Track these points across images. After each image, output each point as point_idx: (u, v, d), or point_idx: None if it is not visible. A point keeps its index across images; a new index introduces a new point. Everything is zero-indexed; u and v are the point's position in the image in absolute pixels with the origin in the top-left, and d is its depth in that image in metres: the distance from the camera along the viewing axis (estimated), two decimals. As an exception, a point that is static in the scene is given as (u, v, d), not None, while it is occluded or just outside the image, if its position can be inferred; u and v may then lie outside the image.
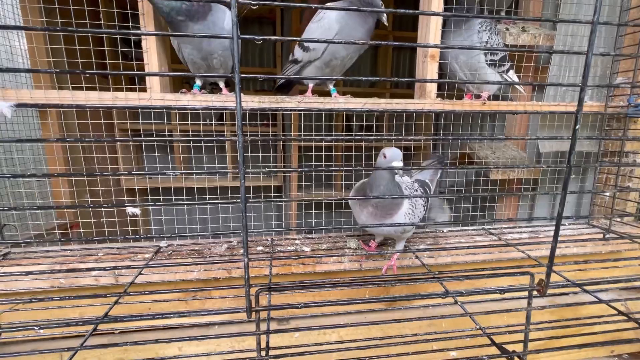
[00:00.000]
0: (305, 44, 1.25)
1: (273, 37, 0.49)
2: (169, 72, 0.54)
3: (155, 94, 1.13)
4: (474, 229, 1.43)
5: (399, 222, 0.96)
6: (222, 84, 1.30)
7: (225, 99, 1.14)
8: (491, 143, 1.81)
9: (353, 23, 1.19)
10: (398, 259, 1.16)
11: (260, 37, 0.48)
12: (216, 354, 0.68)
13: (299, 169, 0.56)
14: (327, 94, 1.32)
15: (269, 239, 1.31)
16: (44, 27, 0.49)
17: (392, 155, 0.94)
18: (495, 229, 1.44)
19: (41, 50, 1.45)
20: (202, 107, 0.54)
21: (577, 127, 0.58)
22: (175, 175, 0.49)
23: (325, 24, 1.20)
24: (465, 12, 1.31)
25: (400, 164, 0.91)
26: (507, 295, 1.28)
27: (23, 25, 1.22)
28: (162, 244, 1.25)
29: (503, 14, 1.59)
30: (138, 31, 0.60)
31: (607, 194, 1.47)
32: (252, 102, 1.14)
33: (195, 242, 1.28)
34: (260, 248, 1.24)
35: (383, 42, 0.59)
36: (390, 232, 1.04)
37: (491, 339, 0.73)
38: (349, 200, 1.09)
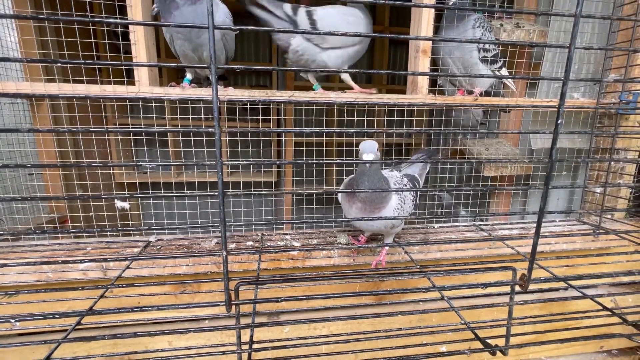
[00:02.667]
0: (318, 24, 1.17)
1: (250, 27, 0.48)
2: (156, 63, 0.53)
3: (143, 87, 1.12)
4: (465, 225, 1.43)
5: (387, 216, 0.96)
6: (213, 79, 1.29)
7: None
8: (485, 140, 1.82)
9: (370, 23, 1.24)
10: (387, 254, 1.16)
11: (237, 27, 0.47)
12: (205, 347, 0.68)
13: (278, 161, 0.56)
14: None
15: (259, 234, 1.31)
16: (28, 15, 0.48)
17: (363, 148, 0.91)
18: (487, 225, 1.45)
19: (32, 42, 1.44)
20: (180, 98, 0.53)
21: (559, 122, 0.58)
22: (152, 166, 0.49)
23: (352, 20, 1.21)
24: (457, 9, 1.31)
25: (370, 157, 0.88)
26: (496, 291, 1.29)
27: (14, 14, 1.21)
28: (152, 238, 1.24)
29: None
30: (125, 20, 0.58)
31: (598, 190, 1.47)
32: (241, 94, 1.13)
33: (184, 237, 1.28)
34: (250, 243, 1.23)
35: (376, 35, 0.59)
36: (380, 227, 1.04)
37: (475, 333, 0.74)
38: (339, 196, 1.08)
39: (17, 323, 0.55)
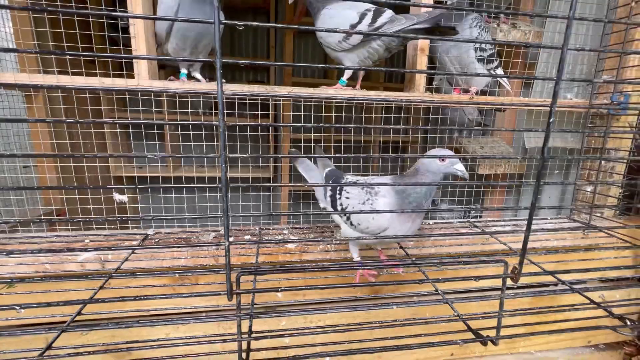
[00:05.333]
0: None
1: (255, 23, 0.50)
2: (158, 56, 0.54)
3: (143, 81, 1.12)
4: (459, 222, 1.46)
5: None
6: (199, 75, 1.26)
7: (214, 87, 1.14)
8: (480, 138, 1.85)
9: None
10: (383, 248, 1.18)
11: (242, 23, 0.49)
12: (202, 337, 0.69)
13: (282, 156, 0.57)
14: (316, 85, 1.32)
15: (257, 229, 1.32)
16: (28, 6, 0.49)
17: (452, 159, 0.83)
18: (480, 221, 1.48)
19: (27, 33, 1.42)
20: (185, 92, 0.54)
21: (551, 120, 0.60)
22: (157, 157, 0.50)
23: None
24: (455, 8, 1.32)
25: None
26: (488, 285, 1.32)
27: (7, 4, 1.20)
28: (150, 231, 1.25)
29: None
30: (125, 13, 0.58)
31: (589, 188, 1.50)
32: (241, 90, 1.14)
33: (182, 231, 1.29)
34: (247, 237, 1.25)
35: (376, 33, 0.60)
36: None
37: (467, 324, 0.76)
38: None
39: (22, 310, 0.55)
